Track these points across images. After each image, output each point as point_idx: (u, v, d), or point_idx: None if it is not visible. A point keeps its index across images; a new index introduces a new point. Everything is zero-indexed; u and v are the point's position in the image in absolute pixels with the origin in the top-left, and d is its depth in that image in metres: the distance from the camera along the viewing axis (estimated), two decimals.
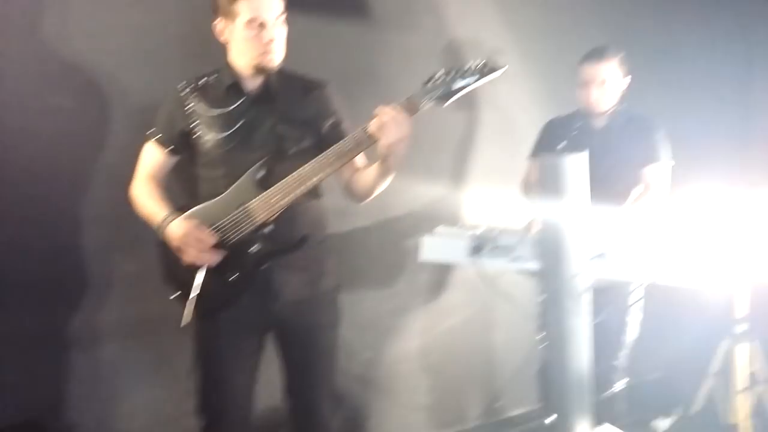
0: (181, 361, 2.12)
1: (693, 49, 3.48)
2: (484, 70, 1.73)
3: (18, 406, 2.03)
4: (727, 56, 3.60)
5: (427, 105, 1.77)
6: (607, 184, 2.50)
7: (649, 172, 2.60)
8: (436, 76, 1.76)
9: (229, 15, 1.85)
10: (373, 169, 1.90)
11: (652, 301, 2.67)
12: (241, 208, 1.85)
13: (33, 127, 2.09)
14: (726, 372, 2.64)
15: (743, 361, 2.57)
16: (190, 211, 1.89)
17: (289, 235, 1.88)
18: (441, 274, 3.04)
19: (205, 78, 1.96)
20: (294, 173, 1.82)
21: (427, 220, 2.61)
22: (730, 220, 2.23)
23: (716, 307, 2.69)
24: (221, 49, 1.94)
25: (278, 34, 1.87)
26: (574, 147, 2.32)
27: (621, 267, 2.25)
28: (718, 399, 2.76)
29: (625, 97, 2.67)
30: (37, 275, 2.12)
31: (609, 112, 2.65)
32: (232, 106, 1.92)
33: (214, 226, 1.87)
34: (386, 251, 2.87)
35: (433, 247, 2.47)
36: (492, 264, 2.41)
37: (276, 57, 1.88)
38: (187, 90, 1.94)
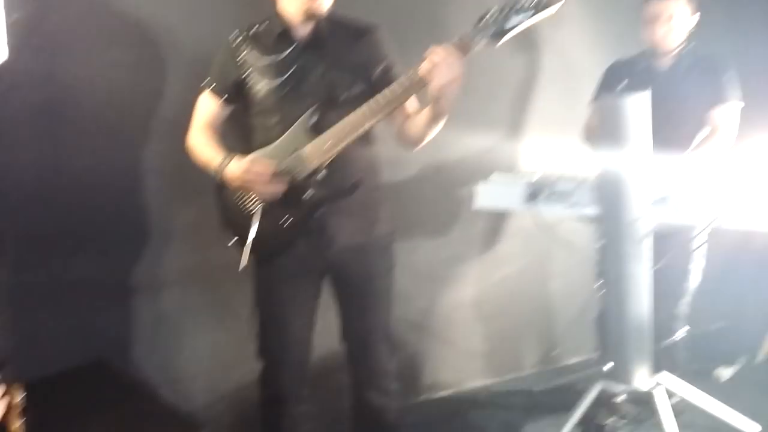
0: (241, 306, 2.18)
1: None
2: (540, 6, 1.65)
3: (85, 348, 2.12)
4: None
5: (479, 44, 1.71)
6: (672, 126, 2.41)
7: (716, 114, 2.49)
8: (489, 14, 1.69)
9: None
10: (425, 113, 1.87)
11: (716, 248, 2.58)
12: (294, 154, 1.86)
13: (93, 80, 2.14)
14: None
15: None
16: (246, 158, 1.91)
17: (342, 181, 1.88)
18: (496, 221, 3.01)
19: (256, 27, 1.96)
20: (345, 119, 1.81)
21: (481, 168, 2.58)
22: None
23: None
24: None
25: None
26: (637, 87, 2.24)
27: (684, 211, 2.17)
28: None
29: (693, 36, 2.54)
30: (101, 225, 2.19)
31: (675, 52, 2.54)
32: (284, 54, 1.91)
33: None
34: (440, 200, 2.85)
35: (487, 195, 2.44)
36: (549, 210, 2.37)
37: (325, 2, 1.86)
38: (239, 40, 1.95)
